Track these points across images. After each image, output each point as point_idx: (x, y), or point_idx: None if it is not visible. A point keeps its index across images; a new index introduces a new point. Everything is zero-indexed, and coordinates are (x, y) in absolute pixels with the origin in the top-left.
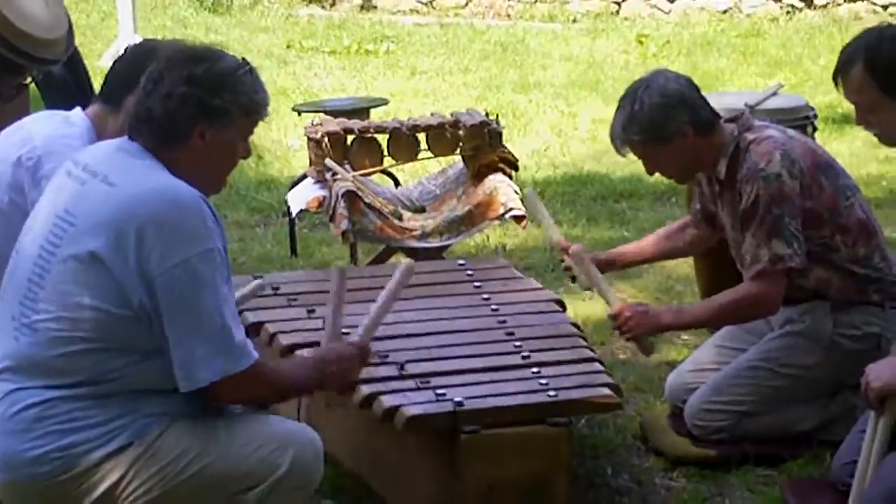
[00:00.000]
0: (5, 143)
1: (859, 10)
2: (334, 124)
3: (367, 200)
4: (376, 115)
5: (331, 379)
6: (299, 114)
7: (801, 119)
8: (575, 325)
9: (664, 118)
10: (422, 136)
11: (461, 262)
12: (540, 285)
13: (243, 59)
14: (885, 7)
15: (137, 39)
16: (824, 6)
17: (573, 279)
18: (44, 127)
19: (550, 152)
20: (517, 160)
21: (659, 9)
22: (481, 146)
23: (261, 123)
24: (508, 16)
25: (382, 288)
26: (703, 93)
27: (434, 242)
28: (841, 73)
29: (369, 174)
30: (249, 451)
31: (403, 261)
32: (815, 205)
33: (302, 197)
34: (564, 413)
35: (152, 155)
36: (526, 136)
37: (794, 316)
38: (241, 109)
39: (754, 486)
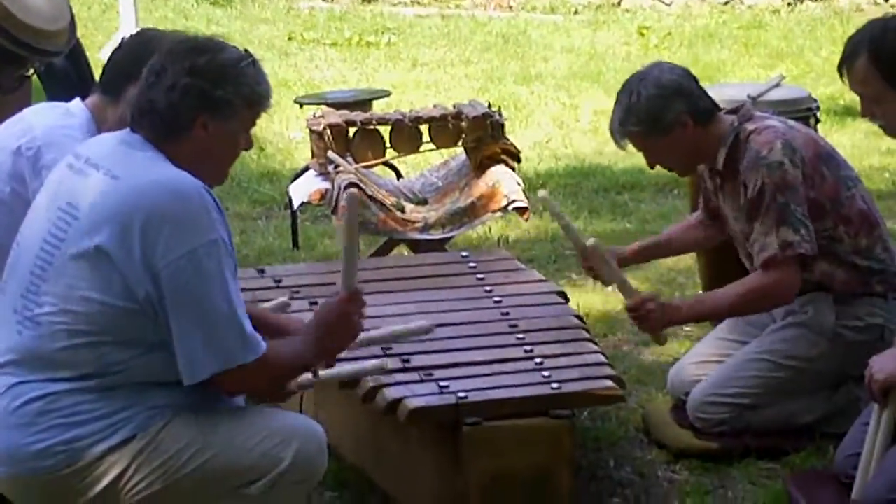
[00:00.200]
0: (6, 134)
1: (861, 2)
2: (336, 116)
3: (369, 192)
4: (378, 107)
5: (332, 345)
6: (301, 106)
7: (804, 111)
8: (578, 317)
9: (661, 109)
10: (424, 128)
11: (464, 254)
12: (543, 277)
13: (245, 50)
14: None
15: None
16: None
17: (595, 277)
18: (44, 117)
19: (552, 144)
20: (520, 152)
21: (660, 0)
22: (484, 138)
23: (263, 115)
24: (510, 7)
25: (385, 280)
26: (705, 85)
27: (436, 234)
28: (846, 64)
29: (372, 166)
30: (252, 444)
31: (345, 194)
32: (818, 195)
33: (304, 189)
34: (567, 405)
35: (154, 147)
36: (528, 128)
37: (796, 307)
38: (244, 101)
39: (757, 478)
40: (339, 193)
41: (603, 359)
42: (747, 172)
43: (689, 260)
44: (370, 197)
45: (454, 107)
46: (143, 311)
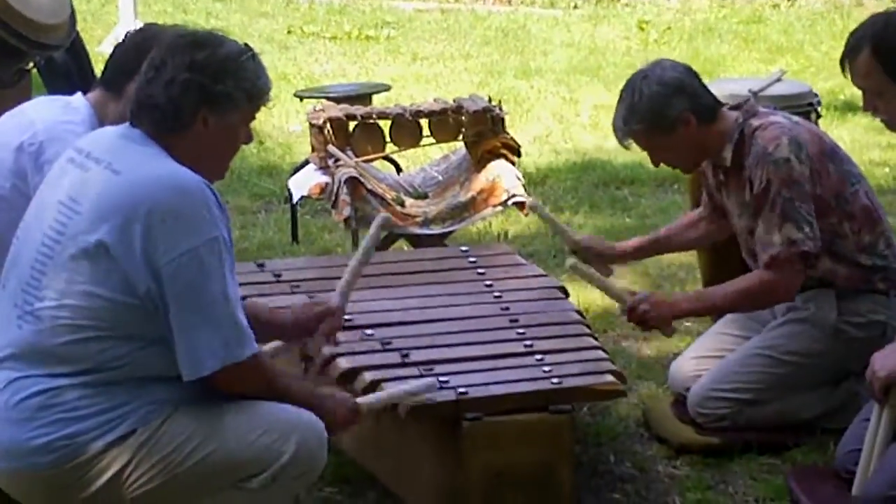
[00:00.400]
0: (6, 129)
1: None
2: (337, 110)
3: (369, 187)
4: (378, 101)
5: (322, 415)
6: (301, 99)
7: (805, 105)
8: (578, 312)
9: (664, 107)
10: (424, 122)
11: (464, 248)
12: (543, 272)
13: (245, 44)
14: None
15: (138, 25)
16: None
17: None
18: (45, 112)
19: (552, 138)
20: (520, 146)
21: None
22: (484, 132)
23: (262, 109)
24: (509, 1)
25: (385, 275)
26: (705, 79)
27: (436, 229)
28: (848, 59)
29: (372, 160)
30: (253, 438)
31: (380, 215)
32: (823, 191)
33: (304, 183)
34: (567, 400)
35: (155, 142)
36: (527, 123)
37: (798, 303)
38: (244, 95)
39: (757, 473)
40: (339, 187)
41: (603, 354)
42: (753, 168)
43: (690, 256)
44: (370, 191)
45: (454, 101)
46: (144, 306)
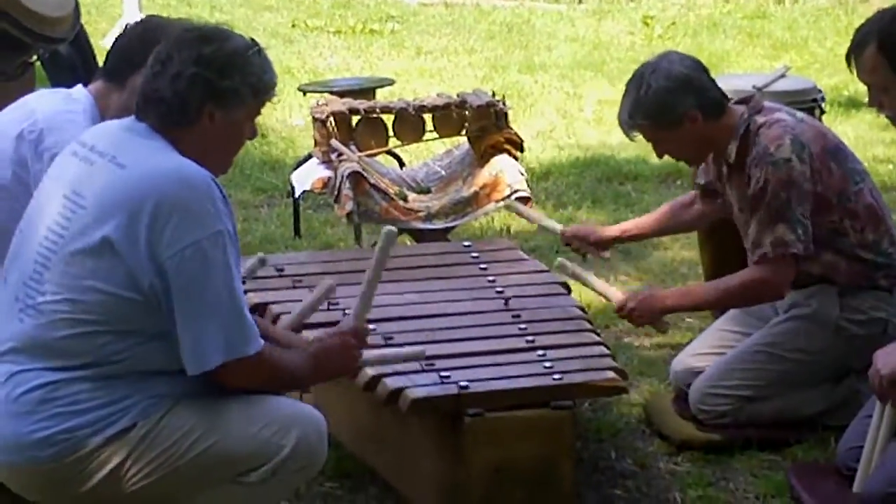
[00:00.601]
0: (8, 119)
1: None
2: (340, 104)
3: (372, 181)
4: (382, 96)
5: (328, 371)
6: (304, 94)
7: (810, 101)
8: (580, 308)
9: (670, 102)
10: (428, 117)
11: (466, 243)
12: (545, 268)
13: (252, 39)
14: None
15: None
16: None
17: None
18: (46, 103)
19: (556, 133)
20: (523, 141)
21: None
22: (487, 127)
23: (267, 104)
24: None
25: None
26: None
27: (439, 224)
28: (854, 54)
29: (375, 155)
30: (253, 432)
31: (384, 229)
32: (825, 189)
33: (306, 177)
34: (569, 396)
35: (160, 136)
36: (531, 118)
37: (799, 300)
38: (250, 90)
39: (759, 470)
40: (341, 182)
41: (605, 350)
42: (753, 167)
43: (691, 252)
44: (373, 186)
45: (458, 96)
46: (147, 301)
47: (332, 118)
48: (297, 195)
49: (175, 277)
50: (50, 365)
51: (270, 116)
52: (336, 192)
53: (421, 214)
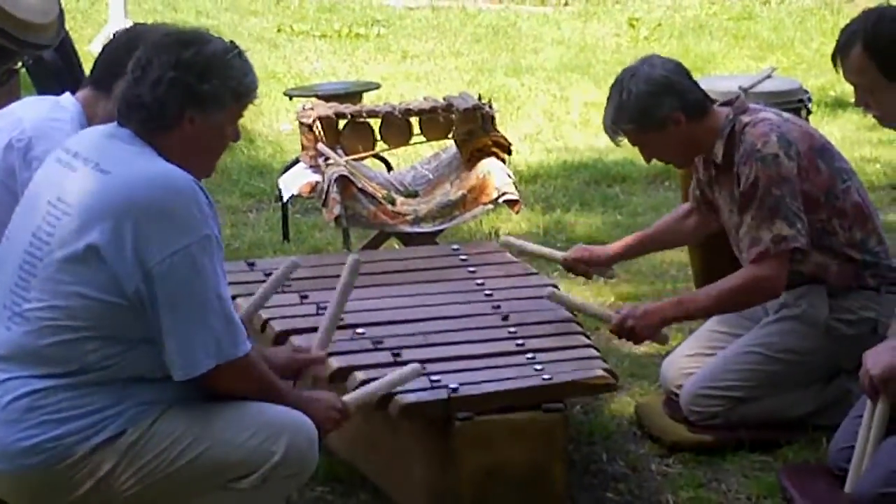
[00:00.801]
0: None
1: None
2: (326, 108)
3: (359, 185)
4: (368, 100)
5: (310, 416)
6: (291, 98)
7: (796, 102)
8: (569, 310)
9: (652, 106)
10: (414, 121)
11: (455, 247)
12: (534, 270)
13: (231, 42)
14: None
15: (128, 24)
16: None
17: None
18: (33, 111)
19: (543, 136)
20: (510, 144)
21: None
22: (474, 130)
23: (252, 108)
24: None
25: (376, 273)
26: (696, 76)
27: (427, 227)
28: (840, 54)
29: (362, 159)
30: (243, 438)
31: (350, 257)
32: (812, 188)
33: (294, 182)
34: (559, 396)
35: (143, 141)
36: (518, 121)
37: (789, 300)
38: (231, 93)
39: (750, 471)
40: (329, 186)
41: (595, 352)
42: (741, 165)
43: (681, 254)
44: (360, 190)
45: (444, 99)
46: (132, 306)
47: (318, 122)
48: (285, 200)
49: (163, 283)
50: (37, 372)
51: (257, 121)
52: (324, 197)
53: (409, 218)
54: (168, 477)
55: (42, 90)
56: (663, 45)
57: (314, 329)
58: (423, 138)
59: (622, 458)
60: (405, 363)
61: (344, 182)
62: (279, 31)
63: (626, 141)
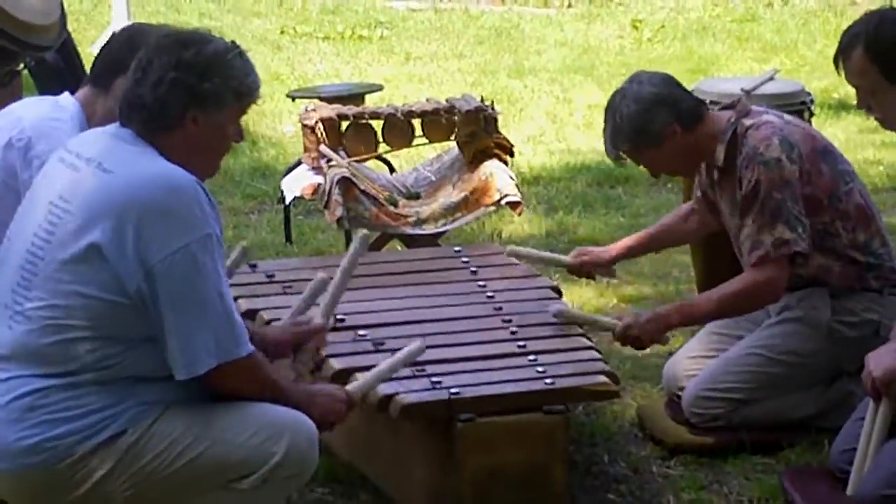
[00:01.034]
0: None
1: None
2: (329, 110)
3: (361, 187)
4: (371, 101)
5: (314, 412)
6: (293, 100)
7: (798, 104)
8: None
9: (646, 122)
10: (417, 122)
11: (457, 248)
12: (536, 272)
13: (232, 41)
14: None
15: None
16: None
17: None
18: (33, 110)
19: (546, 138)
20: (513, 146)
21: None
22: (477, 132)
23: (255, 110)
24: (503, 1)
25: (378, 275)
26: (699, 78)
27: (429, 229)
28: (842, 57)
29: (364, 160)
30: (243, 439)
31: (359, 233)
32: (815, 190)
33: (296, 184)
34: (561, 401)
35: (145, 141)
36: (521, 122)
37: (791, 302)
38: (232, 93)
39: (752, 473)
40: (331, 188)
41: (597, 354)
42: (743, 169)
43: (684, 255)
44: (363, 192)
45: (447, 101)
46: (134, 305)
47: (321, 124)
48: (287, 202)
49: (165, 281)
50: (39, 372)
51: (260, 123)
52: (326, 198)
53: (411, 220)
54: (168, 477)
55: (44, 91)
56: (666, 47)
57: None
58: (425, 140)
59: (623, 460)
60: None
61: (346, 184)
62: (282, 32)
63: (630, 161)
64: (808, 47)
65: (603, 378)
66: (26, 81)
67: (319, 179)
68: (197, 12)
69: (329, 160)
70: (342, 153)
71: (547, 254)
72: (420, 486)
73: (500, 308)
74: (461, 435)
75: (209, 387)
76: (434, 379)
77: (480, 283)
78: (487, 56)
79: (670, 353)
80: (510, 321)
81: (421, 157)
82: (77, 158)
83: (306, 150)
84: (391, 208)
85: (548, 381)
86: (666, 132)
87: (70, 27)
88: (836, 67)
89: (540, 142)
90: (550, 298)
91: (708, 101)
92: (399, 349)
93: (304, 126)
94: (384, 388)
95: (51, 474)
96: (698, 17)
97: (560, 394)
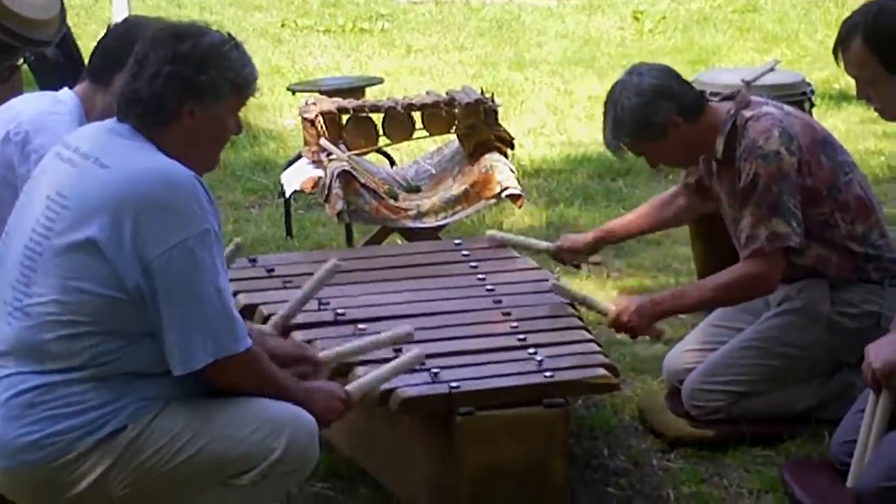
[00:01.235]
0: None
1: None
2: (329, 103)
3: (362, 181)
4: (371, 94)
5: (313, 407)
6: (294, 93)
7: (799, 95)
8: (571, 304)
9: (648, 115)
10: (417, 115)
11: (457, 242)
12: (536, 265)
13: (228, 33)
14: None
15: None
16: None
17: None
18: (31, 105)
19: (546, 130)
20: (513, 138)
21: None
22: (477, 125)
23: (255, 104)
24: None
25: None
26: (700, 69)
27: (430, 222)
28: (841, 47)
29: (364, 154)
30: (244, 434)
31: (329, 261)
32: (814, 182)
33: (296, 177)
34: (561, 394)
35: (143, 136)
36: (522, 115)
37: (791, 294)
38: (229, 85)
39: (752, 466)
40: (331, 181)
41: (597, 347)
42: (742, 161)
43: (684, 247)
44: (363, 185)
45: (447, 94)
46: (133, 301)
47: (321, 118)
48: (287, 195)
49: (162, 277)
50: (39, 368)
51: (261, 117)
52: (326, 192)
53: (411, 213)
54: (168, 473)
55: (44, 86)
56: (668, 38)
57: (316, 324)
58: (425, 133)
59: (623, 453)
60: None
61: (346, 177)
62: (283, 26)
63: (630, 154)
64: (810, 37)
65: (602, 371)
66: (26, 76)
67: (320, 173)
68: (198, 6)
69: (329, 154)
70: (342, 146)
71: (528, 239)
72: (420, 480)
73: (500, 301)
74: (461, 428)
75: (207, 382)
76: (434, 372)
77: (480, 276)
78: (488, 48)
79: (670, 346)
80: (510, 314)
81: (421, 150)
82: (74, 153)
83: (306, 143)
84: (391, 202)
85: (547, 374)
86: (668, 125)
87: (70, 22)
88: (836, 58)
89: (541, 134)
90: (550, 291)
91: (708, 93)
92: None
93: (304, 119)
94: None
95: (51, 471)
96: (699, 8)
97: (560, 387)
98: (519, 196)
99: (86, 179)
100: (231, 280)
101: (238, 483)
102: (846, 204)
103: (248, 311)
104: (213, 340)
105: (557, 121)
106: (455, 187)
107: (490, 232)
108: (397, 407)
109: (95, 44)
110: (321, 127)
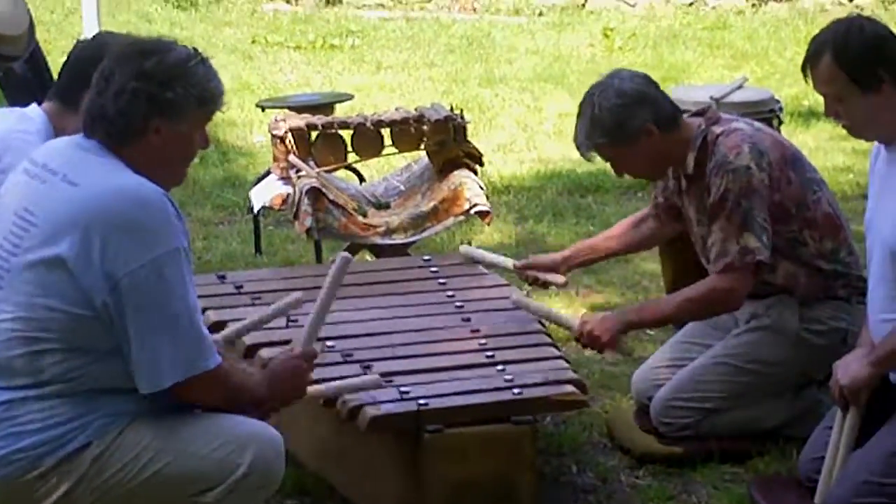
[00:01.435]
0: None
1: (825, 2)
2: (298, 120)
3: (331, 197)
4: (341, 111)
5: (282, 394)
6: (263, 110)
7: (767, 112)
8: (540, 322)
9: (625, 118)
10: (386, 132)
11: (426, 258)
12: (505, 282)
13: (194, 49)
14: None
15: None
16: None
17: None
18: (0, 123)
19: (516, 147)
20: (482, 155)
21: (625, 2)
22: (446, 141)
23: (225, 120)
24: (474, 9)
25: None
26: (670, 86)
27: (399, 239)
28: (809, 64)
29: (333, 170)
30: (208, 451)
31: (339, 254)
32: (783, 198)
33: (265, 194)
34: (529, 411)
35: (110, 152)
36: (492, 131)
37: (759, 311)
38: (195, 100)
39: (720, 483)
40: (300, 198)
41: (565, 364)
42: (712, 176)
43: (653, 264)
44: (332, 202)
45: (416, 110)
46: (100, 318)
47: (290, 134)
48: (255, 211)
49: (131, 295)
50: (4, 384)
51: (230, 133)
52: (295, 209)
53: (380, 230)
54: (132, 490)
55: (13, 102)
56: (637, 55)
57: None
58: (394, 150)
59: (592, 470)
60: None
61: (315, 194)
62: (253, 42)
63: (597, 157)
64: (779, 55)
65: (571, 388)
66: None
67: (288, 190)
68: (168, 22)
69: (298, 170)
70: (311, 163)
71: (497, 257)
72: (388, 497)
73: (469, 319)
74: (429, 446)
75: (176, 399)
76: (402, 390)
77: (449, 293)
78: (458, 65)
79: (639, 363)
80: (479, 331)
81: (390, 166)
82: (43, 170)
83: (275, 160)
84: (360, 218)
85: (516, 391)
86: (643, 131)
87: (41, 38)
88: (804, 75)
89: (510, 150)
90: (518, 309)
91: None
92: (367, 361)
93: (274, 136)
94: (352, 399)
95: (16, 487)
96: (669, 25)
97: (528, 404)
98: (488, 213)
99: (54, 196)
100: (200, 297)
101: (203, 500)
102: (815, 221)
103: (217, 328)
104: (183, 359)
105: (527, 137)
106: (424, 204)
107: (463, 247)
108: (366, 425)
109: (64, 60)
110: (290, 143)
